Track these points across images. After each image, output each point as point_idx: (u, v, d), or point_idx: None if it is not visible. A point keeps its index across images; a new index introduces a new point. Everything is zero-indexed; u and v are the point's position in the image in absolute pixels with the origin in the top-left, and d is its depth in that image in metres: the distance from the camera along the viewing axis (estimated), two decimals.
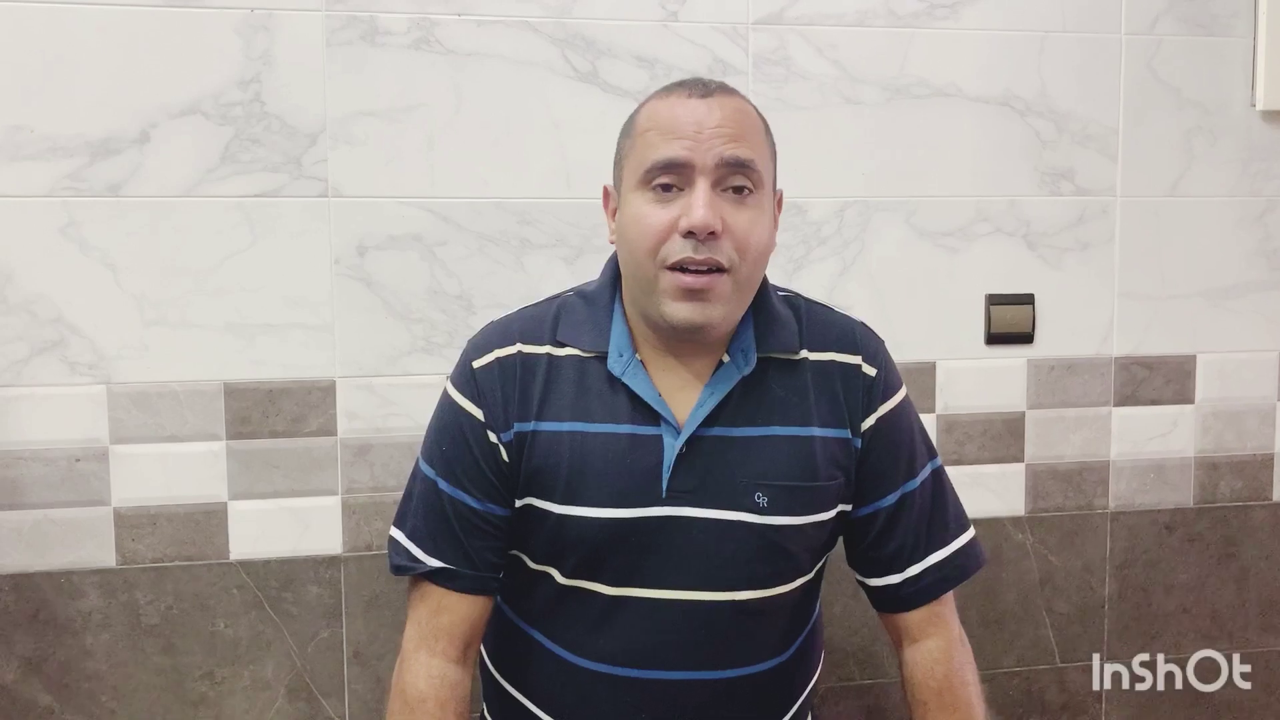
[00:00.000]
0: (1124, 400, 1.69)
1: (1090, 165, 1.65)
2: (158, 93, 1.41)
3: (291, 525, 1.48)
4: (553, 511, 1.07)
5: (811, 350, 1.12)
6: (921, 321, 1.62)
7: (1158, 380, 1.70)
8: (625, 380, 1.07)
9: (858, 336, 1.14)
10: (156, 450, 1.44)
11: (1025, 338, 1.65)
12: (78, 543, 1.44)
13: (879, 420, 1.12)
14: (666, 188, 1.01)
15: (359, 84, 1.46)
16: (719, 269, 1.01)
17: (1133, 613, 1.72)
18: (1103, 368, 1.68)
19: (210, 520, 1.46)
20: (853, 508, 1.14)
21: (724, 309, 1.03)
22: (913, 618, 1.16)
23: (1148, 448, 1.70)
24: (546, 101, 1.50)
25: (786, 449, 1.08)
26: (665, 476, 1.05)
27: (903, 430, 1.14)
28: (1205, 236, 1.69)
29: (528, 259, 1.51)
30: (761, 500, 1.06)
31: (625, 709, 1.09)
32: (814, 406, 1.10)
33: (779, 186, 1.10)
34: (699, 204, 0.99)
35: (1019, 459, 1.67)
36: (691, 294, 1.01)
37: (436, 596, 1.10)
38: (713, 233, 0.99)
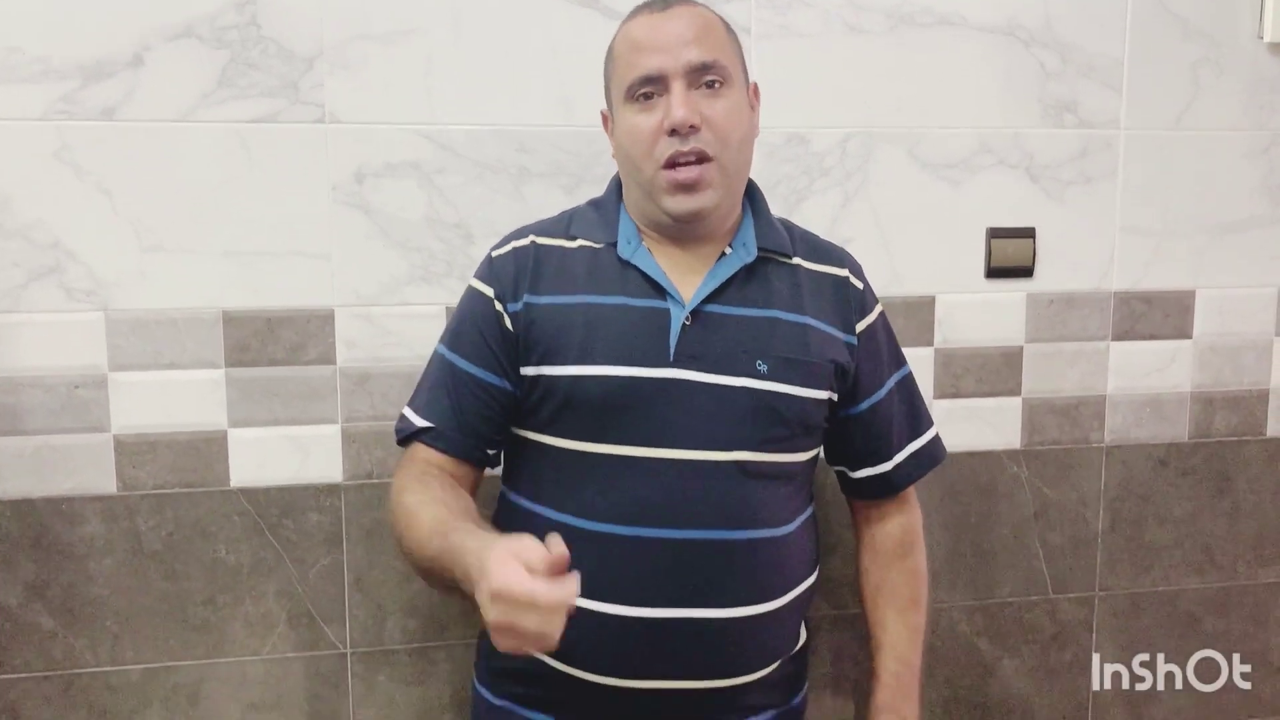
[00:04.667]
0: (1122, 335, 1.69)
1: (1094, 97, 1.63)
2: (151, 14, 1.39)
3: (292, 453, 1.49)
4: (565, 374, 1.16)
5: (805, 260, 1.26)
6: (922, 254, 1.62)
7: (1156, 315, 1.70)
8: (634, 261, 1.19)
9: (844, 255, 1.31)
10: (156, 377, 1.44)
11: (1025, 271, 1.65)
12: (78, 469, 1.44)
13: (868, 326, 1.28)
14: (648, 96, 1.16)
15: (356, 7, 1.43)
16: (705, 158, 1.14)
17: (1126, 545, 1.74)
18: (1102, 302, 1.68)
19: (210, 447, 1.47)
20: (853, 404, 1.27)
21: (716, 195, 1.17)
22: (890, 502, 1.34)
23: (1144, 382, 1.71)
24: (546, 27, 1.48)
25: (785, 329, 1.20)
26: (672, 343, 1.16)
27: (887, 331, 1.32)
28: (1209, 170, 1.68)
29: (526, 188, 1.50)
30: (762, 367, 1.17)
31: (637, 572, 1.14)
32: (808, 302, 1.22)
33: (753, 80, 1.25)
34: (676, 104, 1.14)
35: (1016, 393, 1.67)
36: (684, 187, 1.15)
37: (424, 454, 1.21)
38: (693, 125, 1.13)
